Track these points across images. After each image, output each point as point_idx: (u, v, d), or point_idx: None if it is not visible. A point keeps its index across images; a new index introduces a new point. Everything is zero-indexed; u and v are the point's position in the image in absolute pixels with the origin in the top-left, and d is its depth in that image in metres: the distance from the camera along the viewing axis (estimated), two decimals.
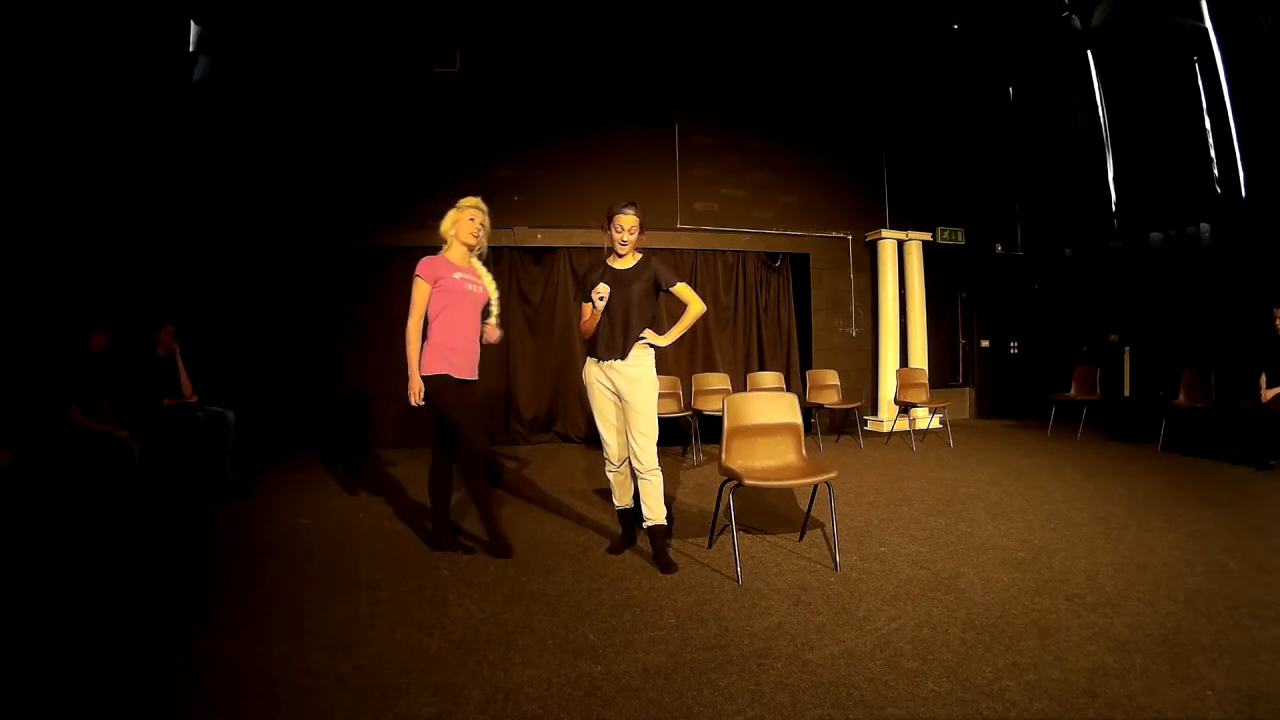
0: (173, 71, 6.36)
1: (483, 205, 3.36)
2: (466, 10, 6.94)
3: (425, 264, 3.22)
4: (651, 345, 3.24)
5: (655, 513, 3.20)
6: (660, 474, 3.21)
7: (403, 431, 6.88)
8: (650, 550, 3.24)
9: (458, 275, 3.23)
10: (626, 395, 3.22)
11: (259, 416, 5.76)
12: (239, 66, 6.60)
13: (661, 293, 3.34)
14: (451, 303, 3.21)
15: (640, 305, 3.25)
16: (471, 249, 3.35)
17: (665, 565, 3.11)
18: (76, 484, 3.96)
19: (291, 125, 6.74)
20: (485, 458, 3.29)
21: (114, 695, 2.03)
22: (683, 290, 3.33)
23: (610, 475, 3.39)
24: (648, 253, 3.40)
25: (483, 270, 3.40)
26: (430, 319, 3.21)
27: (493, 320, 3.41)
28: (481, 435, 3.30)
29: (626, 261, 3.33)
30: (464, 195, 3.44)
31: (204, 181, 6.47)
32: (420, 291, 3.18)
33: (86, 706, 1.98)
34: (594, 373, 3.31)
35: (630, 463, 3.27)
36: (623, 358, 3.22)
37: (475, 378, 3.34)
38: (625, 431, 3.26)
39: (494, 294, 3.42)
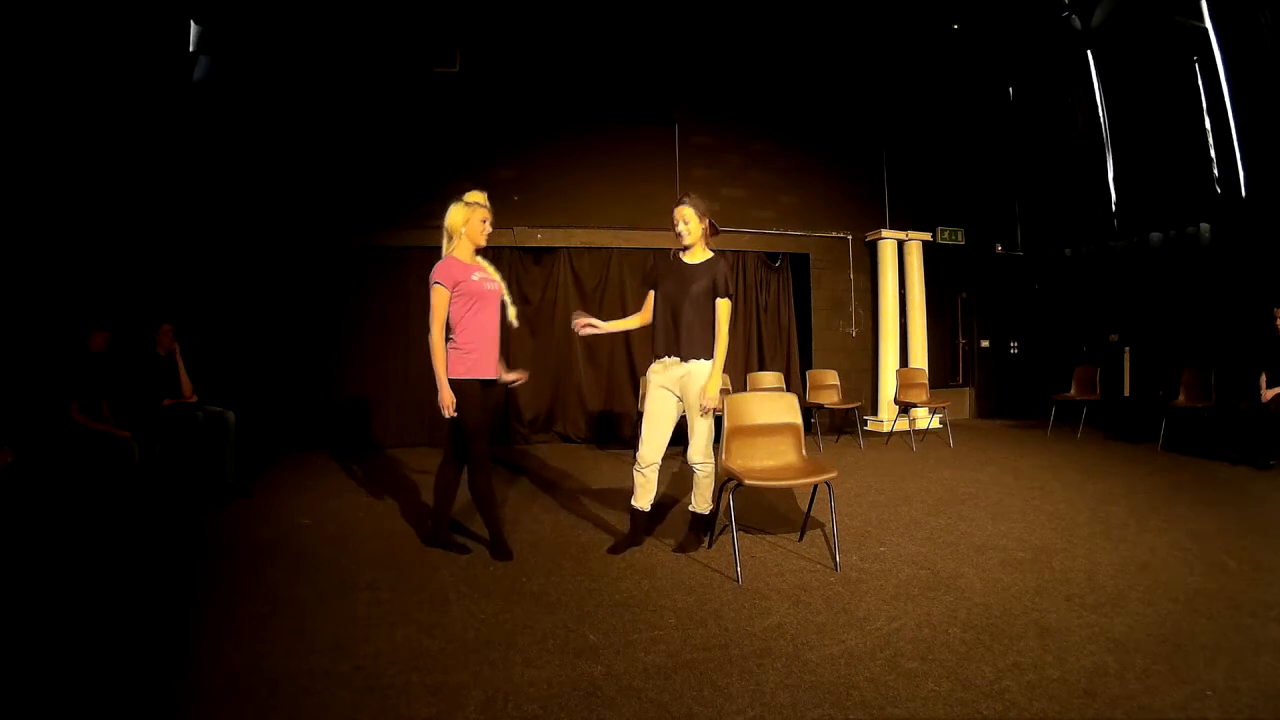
0: (173, 71, 6.36)
1: (487, 202, 3.28)
2: (466, 10, 6.93)
3: (442, 269, 3.13)
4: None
5: (701, 505, 3.34)
6: (709, 467, 3.28)
7: (403, 431, 6.88)
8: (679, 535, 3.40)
9: (476, 276, 3.17)
10: (685, 396, 3.24)
11: (259, 416, 5.76)
12: (239, 66, 6.59)
13: (717, 297, 3.25)
14: (474, 305, 3.14)
15: (698, 303, 3.22)
16: (480, 248, 3.29)
17: (683, 546, 3.32)
18: (76, 484, 3.96)
19: (291, 125, 6.74)
20: (489, 461, 3.29)
21: (114, 695, 2.03)
22: (722, 307, 3.24)
23: (636, 474, 3.36)
24: (719, 254, 3.38)
25: (487, 264, 3.34)
26: (453, 323, 3.14)
27: (512, 315, 3.34)
28: (486, 440, 3.27)
29: (695, 256, 3.33)
30: (464, 195, 3.39)
31: (204, 181, 6.46)
32: (441, 298, 3.10)
33: (87, 707, 1.98)
34: (654, 368, 3.30)
35: (658, 467, 3.35)
36: (681, 358, 3.22)
37: (498, 376, 3.31)
38: (668, 434, 3.29)
39: (504, 287, 3.36)
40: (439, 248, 3.29)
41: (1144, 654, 2.18)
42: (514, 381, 3.38)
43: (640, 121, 7.42)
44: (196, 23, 6.50)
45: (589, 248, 7.34)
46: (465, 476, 3.34)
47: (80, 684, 2.09)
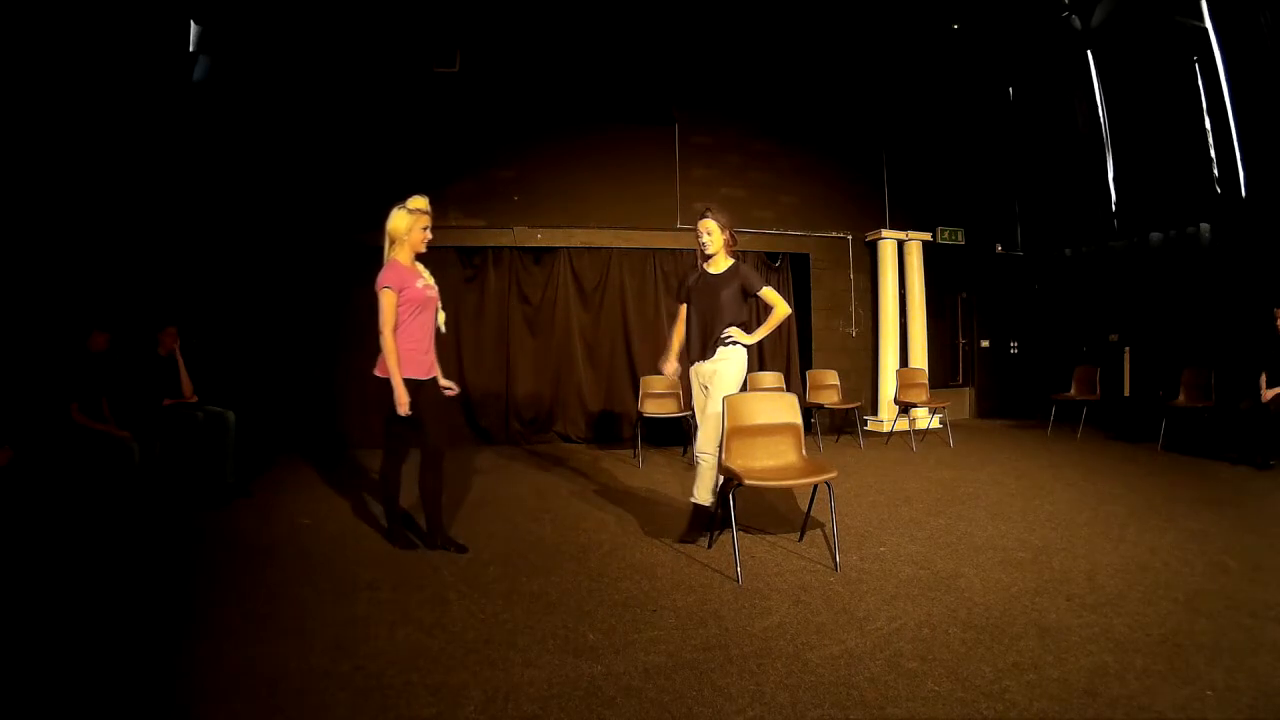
0: (173, 71, 6.36)
1: (430, 209, 3.35)
2: (466, 10, 6.93)
3: (390, 274, 3.23)
4: (738, 343, 3.41)
5: (699, 495, 3.46)
6: (713, 459, 3.38)
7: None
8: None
9: (420, 284, 3.30)
10: (710, 385, 3.41)
11: (259, 416, 5.75)
12: (239, 66, 6.59)
13: (750, 297, 3.48)
14: (416, 310, 3.28)
15: (726, 310, 3.41)
16: (420, 255, 3.39)
17: (683, 537, 3.44)
18: (76, 484, 3.96)
19: (292, 126, 6.74)
20: (443, 457, 3.40)
21: (114, 695, 2.03)
22: (768, 294, 3.48)
23: (701, 461, 3.49)
24: (738, 258, 3.56)
25: (425, 270, 3.44)
26: (396, 326, 3.25)
27: (441, 321, 3.48)
28: (445, 436, 3.41)
29: (717, 266, 3.52)
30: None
31: (204, 181, 6.46)
32: (390, 301, 3.20)
33: (87, 707, 1.98)
34: (690, 370, 3.54)
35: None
36: (703, 360, 3.43)
37: (436, 375, 3.43)
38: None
39: (438, 292, 3.50)
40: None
41: (1144, 654, 2.18)
42: (448, 389, 3.49)
43: (640, 121, 7.41)
44: (196, 23, 6.50)
45: (589, 248, 7.33)
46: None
47: (80, 684, 2.09)
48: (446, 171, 6.84)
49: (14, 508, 3.57)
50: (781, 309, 3.47)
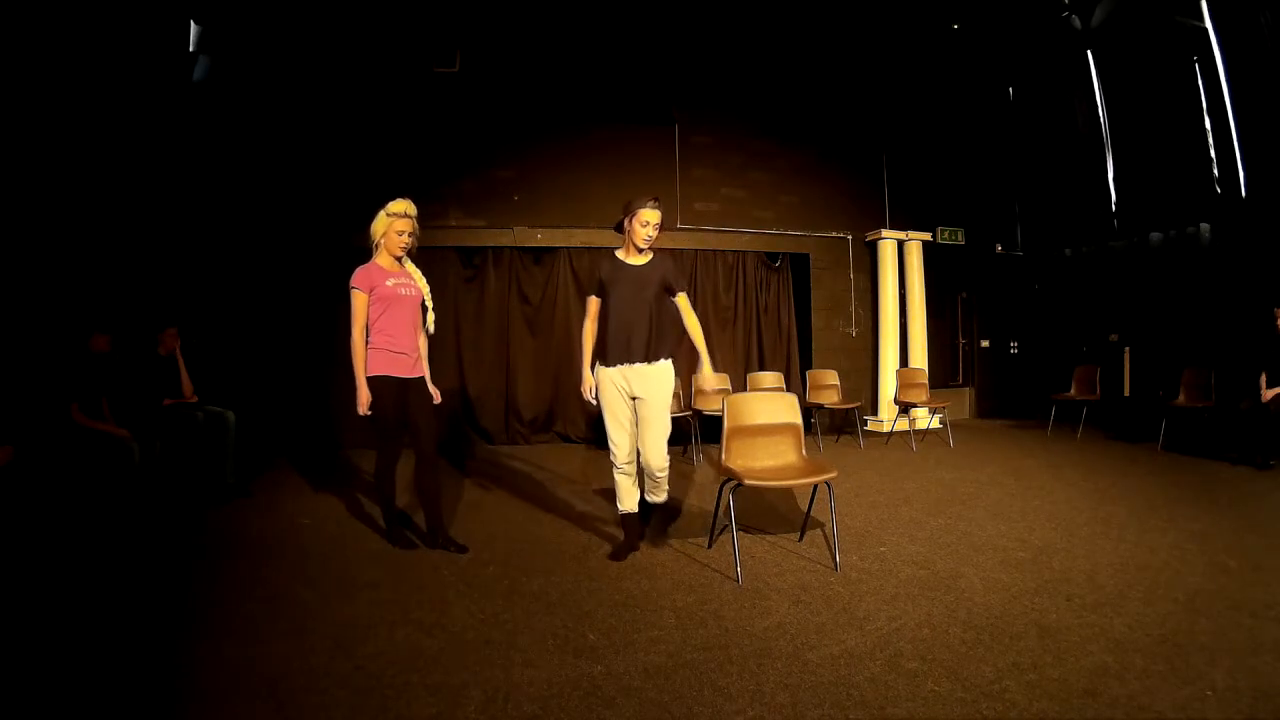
0: (173, 71, 6.36)
1: (412, 210, 3.32)
2: (466, 10, 6.93)
3: (360, 275, 3.28)
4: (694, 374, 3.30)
5: (660, 497, 3.52)
6: (667, 469, 3.41)
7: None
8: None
9: (390, 282, 3.31)
10: (645, 395, 3.19)
11: (259, 416, 5.75)
12: (239, 66, 6.59)
13: (671, 295, 3.27)
14: (388, 309, 3.29)
15: (656, 305, 3.22)
16: (400, 260, 3.40)
17: (645, 521, 3.53)
18: (76, 484, 3.96)
19: (292, 126, 6.73)
20: (436, 456, 3.41)
21: (114, 695, 2.03)
22: (684, 301, 3.28)
23: (617, 477, 3.38)
24: (658, 250, 3.36)
25: (414, 270, 3.44)
26: (370, 325, 3.29)
27: (429, 321, 3.47)
28: (429, 433, 3.37)
29: (642, 259, 3.24)
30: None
31: (204, 182, 6.46)
32: (359, 302, 3.25)
33: (87, 707, 1.98)
34: (608, 373, 3.23)
35: (639, 464, 3.35)
36: (646, 361, 3.18)
37: (422, 374, 3.42)
38: (635, 433, 3.29)
39: (427, 292, 3.47)
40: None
41: (1144, 654, 2.18)
42: (433, 397, 3.46)
43: (640, 121, 7.41)
44: (196, 23, 6.50)
45: (589, 248, 7.32)
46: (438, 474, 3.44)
47: (80, 684, 2.09)
48: (446, 171, 6.84)
49: (14, 507, 3.57)
50: (697, 325, 3.26)
